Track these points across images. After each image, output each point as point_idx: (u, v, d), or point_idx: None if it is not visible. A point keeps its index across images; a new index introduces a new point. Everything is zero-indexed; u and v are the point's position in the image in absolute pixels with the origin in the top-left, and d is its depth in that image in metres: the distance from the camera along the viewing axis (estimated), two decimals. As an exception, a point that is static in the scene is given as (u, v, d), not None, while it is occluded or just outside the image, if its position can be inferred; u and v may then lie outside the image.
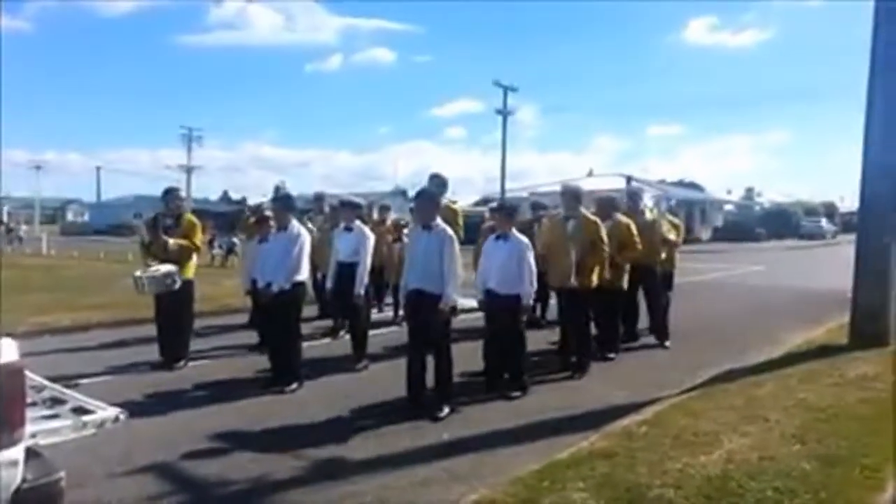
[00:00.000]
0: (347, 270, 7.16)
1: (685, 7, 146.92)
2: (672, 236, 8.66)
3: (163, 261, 6.95)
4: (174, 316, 7.05)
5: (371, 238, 7.37)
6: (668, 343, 8.27)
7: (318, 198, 10.57)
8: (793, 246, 37.44)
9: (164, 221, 7.15)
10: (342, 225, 7.47)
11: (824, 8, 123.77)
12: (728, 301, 13.24)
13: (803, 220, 50.53)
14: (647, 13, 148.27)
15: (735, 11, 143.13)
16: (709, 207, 50.23)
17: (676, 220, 9.34)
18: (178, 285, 6.84)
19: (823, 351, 7.41)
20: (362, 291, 7.09)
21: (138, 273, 6.89)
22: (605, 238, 6.79)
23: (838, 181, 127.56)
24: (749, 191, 70.04)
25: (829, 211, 58.13)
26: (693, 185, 59.46)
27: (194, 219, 7.36)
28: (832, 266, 15.71)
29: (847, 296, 8.17)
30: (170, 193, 7.41)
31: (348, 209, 7.52)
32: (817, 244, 39.52)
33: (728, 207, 58.10)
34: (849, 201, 53.94)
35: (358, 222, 7.44)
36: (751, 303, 12.87)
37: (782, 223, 48.84)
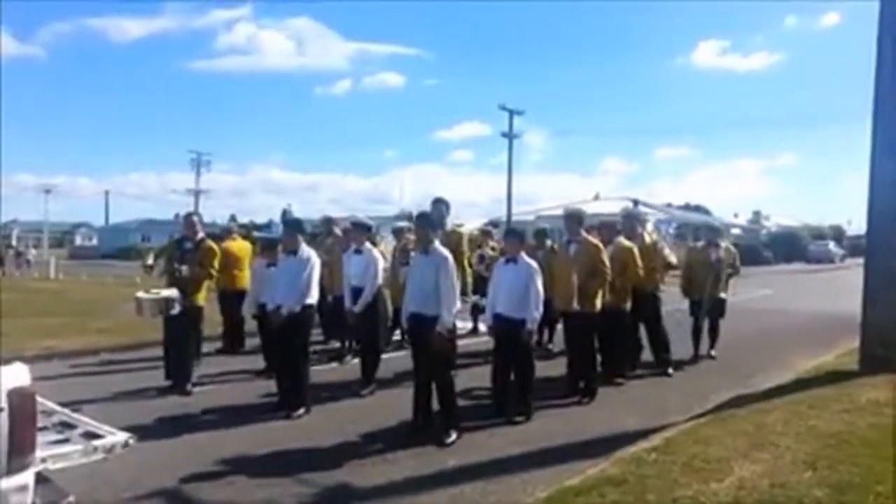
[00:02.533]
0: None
1: (694, 29, 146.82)
2: (673, 260, 8.63)
3: (172, 285, 6.98)
4: (181, 340, 7.04)
5: (380, 260, 7.38)
6: (671, 370, 8.09)
7: (327, 221, 10.58)
8: (801, 269, 37.23)
9: (183, 245, 7.20)
10: (352, 248, 7.48)
11: (835, 32, 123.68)
12: (736, 325, 13.05)
13: (811, 244, 50.29)
14: (655, 35, 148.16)
15: (745, 34, 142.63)
16: (716, 231, 50.06)
17: (733, 249, 9.45)
18: (176, 310, 6.82)
19: (833, 376, 7.35)
20: (356, 309, 7.08)
21: (139, 294, 6.97)
22: (607, 261, 6.80)
23: (846, 204, 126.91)
24: (756, 214, 69.73)
25: (837, 234, 57.85)
26: (699, 209, 59.37)
27: (213, 245, 7.36)
28: (841, 289, 15.59)
29: (856, 320, 8.11)
30: (188, 218, 7.46)
31: (359, 231, 7.53)
32: (826, 268, 39.26)
33: (735, 231, 57.92)
34: (856, 224, 53.71)
35: (368, 244, 7.45)
36: (759, 327, 12.77)
37: (790, 246, 48.64)
